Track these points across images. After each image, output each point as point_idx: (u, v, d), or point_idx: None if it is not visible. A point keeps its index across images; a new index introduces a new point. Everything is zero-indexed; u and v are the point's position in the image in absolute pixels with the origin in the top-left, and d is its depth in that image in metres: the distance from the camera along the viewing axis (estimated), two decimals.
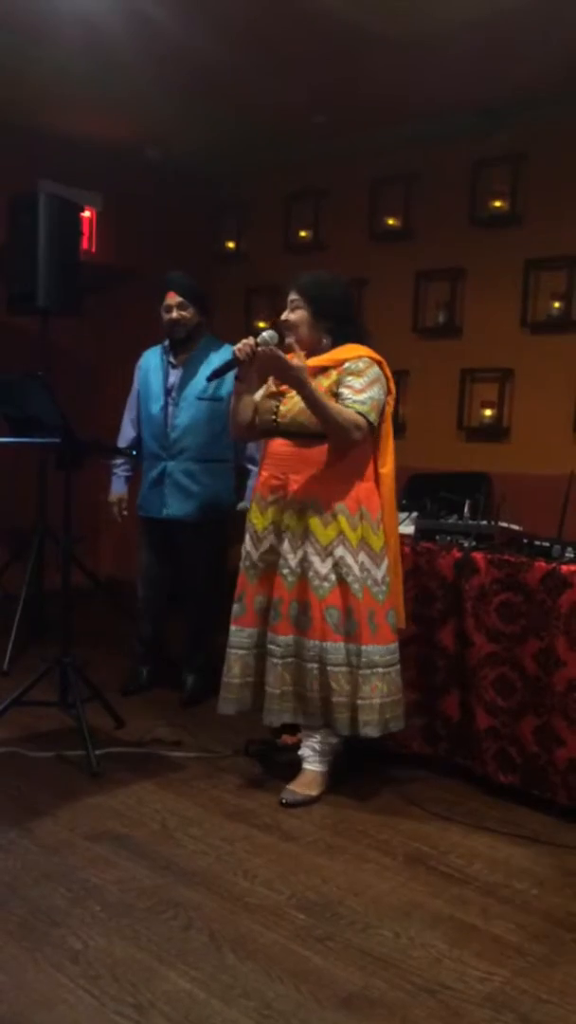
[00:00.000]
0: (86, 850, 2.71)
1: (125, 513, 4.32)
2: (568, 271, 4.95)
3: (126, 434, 4.25)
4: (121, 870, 2.59)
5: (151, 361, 4.17)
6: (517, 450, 5.18)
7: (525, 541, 3.24)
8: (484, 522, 3.38)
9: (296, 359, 3.15)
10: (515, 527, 3.36)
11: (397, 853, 2.77)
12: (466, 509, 3.47)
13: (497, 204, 5.20)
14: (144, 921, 2.34)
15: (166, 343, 4.13)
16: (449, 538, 3.36)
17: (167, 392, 4.06)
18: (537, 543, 3.19)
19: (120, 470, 4.29)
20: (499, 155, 5.15)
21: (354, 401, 2.99)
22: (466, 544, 3.26)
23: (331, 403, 2.98)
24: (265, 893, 2.51)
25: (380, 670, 3.04)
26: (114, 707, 3.72)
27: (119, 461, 4.28)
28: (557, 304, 4.98)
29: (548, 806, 3.03)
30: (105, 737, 3.59)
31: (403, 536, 3.36)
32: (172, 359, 4.09)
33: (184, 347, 4.06)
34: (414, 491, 3.25)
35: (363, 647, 3.00)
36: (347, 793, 3.18)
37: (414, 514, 3.52)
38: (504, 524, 3.37)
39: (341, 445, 3.02)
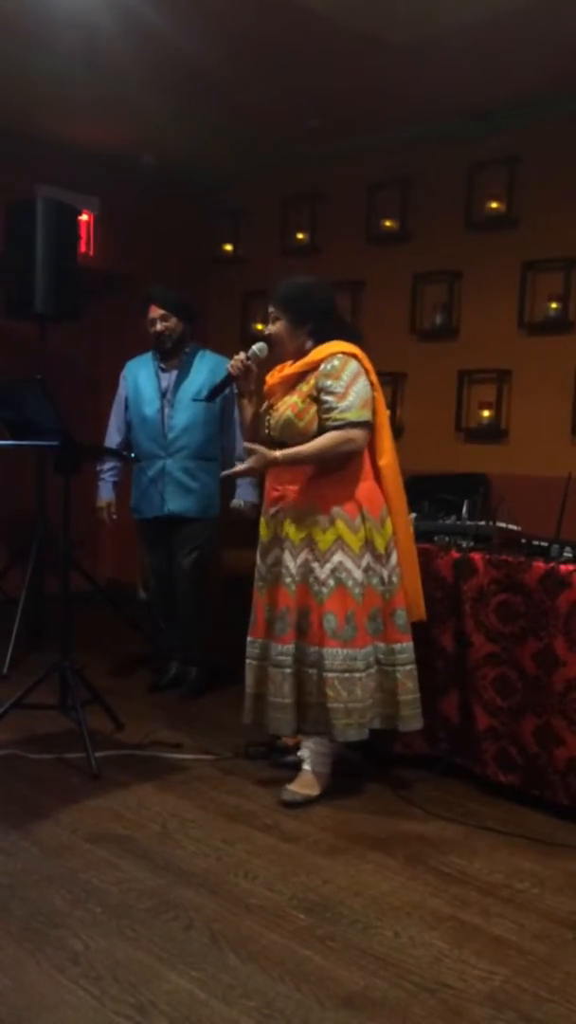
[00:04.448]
0: (87, 852, 2.71)
1: (115, 517, 4.38)
2: (564, 272, 4.96)
3: (112, 439, 4.31)
4: (122, 872, 2.60)
5: (139, 369, 4.26)
6: (515, 451, 5.19)
7: (523, 541, 3.25)
8: (482, 523, 3.38)
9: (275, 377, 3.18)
10: (513, 527, 3.37)
11: (397, 853, 2.78)
12: (464, 510, 3.47)
13: (493, 206, 5.22)
14: (145, 922, 2.34)
15: (153, 353, 4.21)
16: (448, 539, 3.36)
17: (162, 395, 4.15)
18: (535, 543, 3.20)
19: (108, 475, 4.35)
20: (494, 157, 5.16)
21: (341, 410, 2.97)
22: (464, 545, 3.27)
23: (313, 445, 2.98)
24: (266, 894, 2.51)
25: (384, 667, 3.06)
26: (114, 709, 3.72)
27: (107, 466, 4.34)
28: (554, 305, 4.99)
29: (548, 806, 3.04)
30: (105, 739, 3.60)
31: None
32: (162, 364, 4.19)
33: (172, 355, 4.16)
34: (412, 492, 3.24)
35: (358, 651, 3.00)
36: (347, 794, 3.18)
37: (413, 515, 3.52)
38: (502, 525, 3.37)
39: (345, 463, 3.03)
